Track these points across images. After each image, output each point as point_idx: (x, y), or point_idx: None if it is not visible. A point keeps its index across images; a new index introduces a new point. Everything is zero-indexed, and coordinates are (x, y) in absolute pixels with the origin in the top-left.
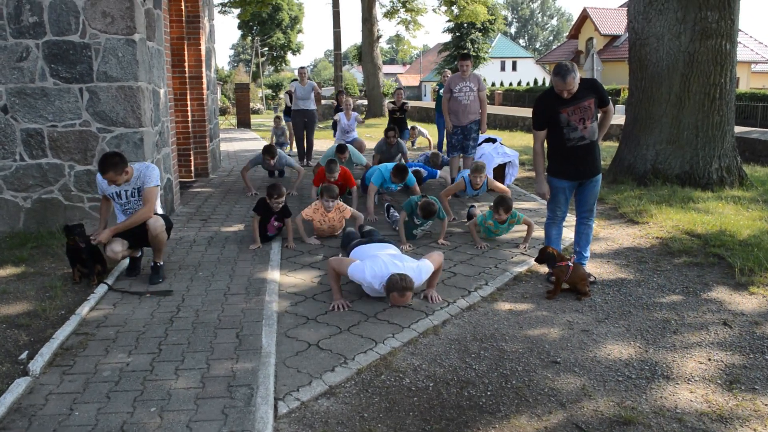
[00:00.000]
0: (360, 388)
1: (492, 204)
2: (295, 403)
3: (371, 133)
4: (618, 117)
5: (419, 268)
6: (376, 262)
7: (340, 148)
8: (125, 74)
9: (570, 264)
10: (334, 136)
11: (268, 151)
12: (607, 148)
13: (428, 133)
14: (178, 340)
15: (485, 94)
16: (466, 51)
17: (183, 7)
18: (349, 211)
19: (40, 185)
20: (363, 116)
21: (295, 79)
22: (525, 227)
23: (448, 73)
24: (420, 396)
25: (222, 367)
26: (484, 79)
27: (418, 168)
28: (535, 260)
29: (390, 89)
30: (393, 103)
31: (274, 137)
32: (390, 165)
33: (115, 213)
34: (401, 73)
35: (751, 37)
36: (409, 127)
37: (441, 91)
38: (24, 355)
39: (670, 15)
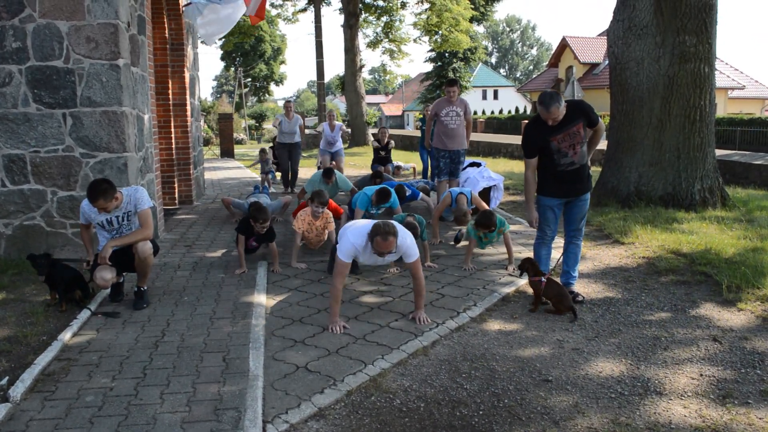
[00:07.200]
0: (350, 410)
1: (475, 222)
2: (284, 425)
3: (355, 162)
4: (601, 142)
5: (405, 231)
6: (357, 224)
7: (327, 173)
8: (109, 99)
9: (543, 279)
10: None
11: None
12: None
13: (411, 165)
14: (163, 364)
15: (471, 117)
16: (451, 77)
17: (167, 35)
18: (332, 225)
19: (22, 211)
20: (346, 145)
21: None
22: (508, 246)
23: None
24: (411, 416)
25: (209, 390)
26: None
27: (401, 184)
28: (518, 267)
29: (373, 118)
30: (377, 141)
31: (260, 165)
32: (374, 188)
33: (99, 241)
34: (384, 103)
35: (727, 64)
36: (393, 164)
37: (424, 126)
38: (4, 381)
39: (649, 40)
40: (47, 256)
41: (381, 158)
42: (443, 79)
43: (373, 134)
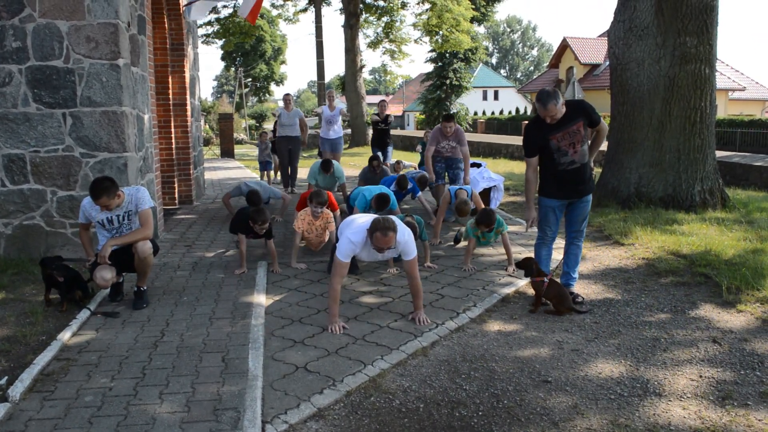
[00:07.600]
0: (349, 411)
1: (475, 220)
2: (284, 426)
3: (355, 161)
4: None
5: (404, 227)
6: (356, 222)
7: (325, 165)
8: (109, 99)
9: (545, 280)
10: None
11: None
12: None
13: (410, 164)
14: (162, 364)
15: (467, 149)
16: (448, 113)
17: (167, 35)
18: (333, 226)
19: (22, 211)
20: (347, 145)
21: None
22: (507, 246)
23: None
24: (411, 417)
25: (208, 390)
26: (466, 112)
27: (403, 175)
28: (516, 264)
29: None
30: (377, 114)
31: (258, 148)
32: (374, 190)
33: (99, 240)
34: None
35: (728, 65)
36: (394, 161)
37: (423, 150)
38: (3, 381)
39: (649, 40)
40: (59, 258)
41: (381, 132)
42: (444, 80)
43: (373, 111)
